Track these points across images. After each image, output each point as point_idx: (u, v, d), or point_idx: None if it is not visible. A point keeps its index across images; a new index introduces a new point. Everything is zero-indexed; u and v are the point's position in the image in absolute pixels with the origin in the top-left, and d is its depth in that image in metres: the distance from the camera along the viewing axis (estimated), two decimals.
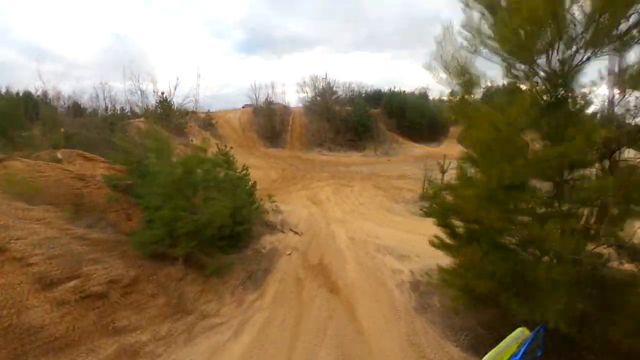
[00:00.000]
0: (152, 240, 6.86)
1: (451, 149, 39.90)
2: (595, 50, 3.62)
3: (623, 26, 3.45)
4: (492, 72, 4.32)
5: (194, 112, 40.32)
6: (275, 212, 12.84)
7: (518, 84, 4.16)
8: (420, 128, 40.10)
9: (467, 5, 4.27)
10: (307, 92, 38.18)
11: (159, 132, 8.44)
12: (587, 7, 3.53)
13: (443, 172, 15.77)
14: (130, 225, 7.93)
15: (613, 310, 3.30)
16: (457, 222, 4.92)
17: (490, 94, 4.60)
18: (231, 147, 14.10)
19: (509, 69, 4.13)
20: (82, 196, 7.93)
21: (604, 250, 3.65)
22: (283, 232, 10.93)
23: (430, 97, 44.58)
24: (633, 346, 3.17)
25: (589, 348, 3.67)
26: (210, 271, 7.13)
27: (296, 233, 10.79)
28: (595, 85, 3.76)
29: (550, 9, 3.49)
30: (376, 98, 42.35)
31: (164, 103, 34.48)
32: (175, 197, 7.07)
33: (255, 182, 11.69)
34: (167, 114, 34.33)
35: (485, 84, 4.44)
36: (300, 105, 39.80)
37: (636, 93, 3.57)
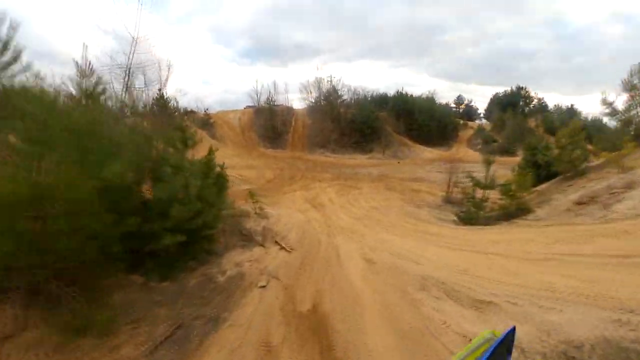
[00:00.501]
0: None
1: (462, 153, 36.21)
2: None
3: None
4: None
5: (192, 112, 37.00)
6: (258, 217, 8.98)
7: None
8: (430, 131, 36.34)
9: None
10: (311, 92, 34.49)
11: None
12: None
13: (487, 176, 11.79)
14: None
15: None
16: None
17: None
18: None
19: None
20: None
21: None
22: (263, 246, 7.05)
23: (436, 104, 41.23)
24: None
25: None
26: (78, 326, 3.25)
27: (283, 248, 6.90)
28: None
29: None
30: (382, 102, 38.66)
31: (160, 100, 31.12)
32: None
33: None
34: (163, 111, 30.94)
35: None
36: (304, 106, 36.15)
37: None
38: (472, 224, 10.01)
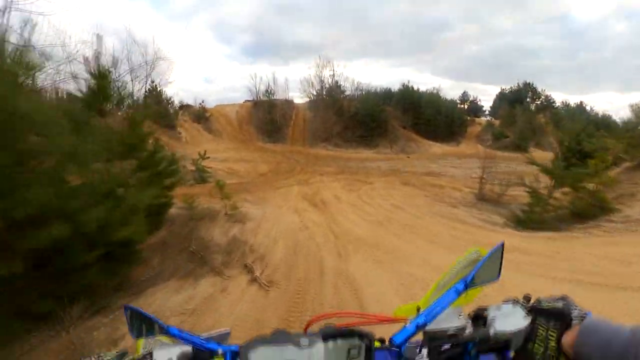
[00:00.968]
0: None
1: (471, 149, 32.91)
2: None
3: None
4: None
5: (187, 105, 33.88)
6: (229, 220, 5.76)
7: None
8: (437, 126, 33.03)
9: None
10: (312, 85, 31.13)
11: None
12: None
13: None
14: None
15: None
16: None
17: None
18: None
19: None
20: None
21: None
22: (222, 274, 3.83)
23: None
24: None
25: None
26: None
27: (256, 280, 3.68)
28: None
29: None
30: (386, 97, 35.28)
31: (154, 92, 27.95)
32: None
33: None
34: (157, 104, 27.75)
35: None
36: (305, 100, 32.78)
37: None
38: (538, 229, 6.80)
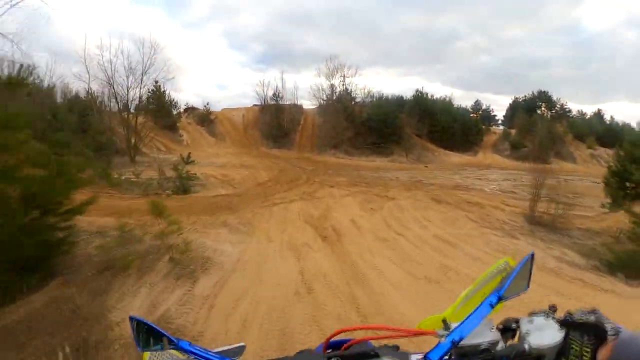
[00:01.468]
0: None
1: (488, 159, 29.89)
2: None
3: None
4: None
5: (193, 108, 31.71)
6: (175, 273, 3.11)
7: None
8: (453, 134, 30.14)
9: None
10: (323, 89, 28.47)
11: None
12: None
13: None
14: None
15: None
16: None
17: None
18: None
19: None
20: None
21: None
22: None
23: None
24: None
25: None
26: None
27: None
28: None
29: None
30: (398, 104, 32.49)
31: (157, 93, 25.74)
32: None
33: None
34: (159, 106, 25.50)
35: None
36: (315, 105, 30.10)
37: None
38: None
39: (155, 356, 0.56)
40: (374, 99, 30.53)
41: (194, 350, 0.45)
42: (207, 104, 28.39)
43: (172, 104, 27.02)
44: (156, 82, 23.51)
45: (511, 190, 13.29)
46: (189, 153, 10.38)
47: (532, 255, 0.56)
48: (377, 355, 0.39)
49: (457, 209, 8.44)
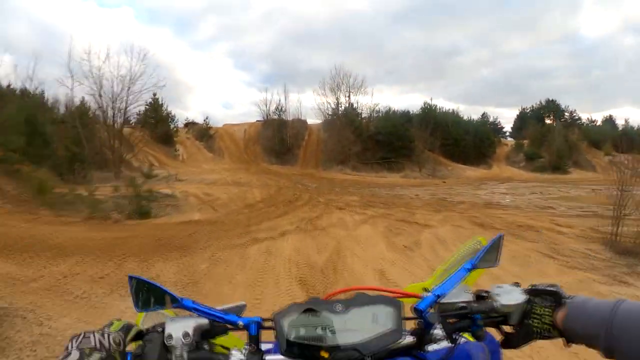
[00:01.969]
0: None
1: (504, 172, 27.00)
2: None
3: None
4: None
5: (193, 123, 29.75)
6: None
7: None
8: (465, 147, 27.55)
9: None
10: (328, 103, 26.16)
11: None
12: None
13: None
14: None
15: None
16: None
17: None
18: None
19: None
20: None
21: None
22: None
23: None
24: None
25: None
26: None
27: None
28: None
29: None
30: (406, 118, 30.18)
31: (155, 105, 23.67)
32: None
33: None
34: (156, 118, 23.39)
35: None
36: (320, 121, 27.80)
37: None
38: None
39: (149, 317, 0.52)
40: (380, 113, 28.33)
41: (199, 307, 0.44)
42: (207, 119, 26.35)
43: (170, 117, 24.94)
44: (154, 94, 21.56)
45: (548, 206, 10.65)
46: (152, 165, 7.96)
47: (501, 236, 0.59)
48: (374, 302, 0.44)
49: (514, 237, 5.79)
